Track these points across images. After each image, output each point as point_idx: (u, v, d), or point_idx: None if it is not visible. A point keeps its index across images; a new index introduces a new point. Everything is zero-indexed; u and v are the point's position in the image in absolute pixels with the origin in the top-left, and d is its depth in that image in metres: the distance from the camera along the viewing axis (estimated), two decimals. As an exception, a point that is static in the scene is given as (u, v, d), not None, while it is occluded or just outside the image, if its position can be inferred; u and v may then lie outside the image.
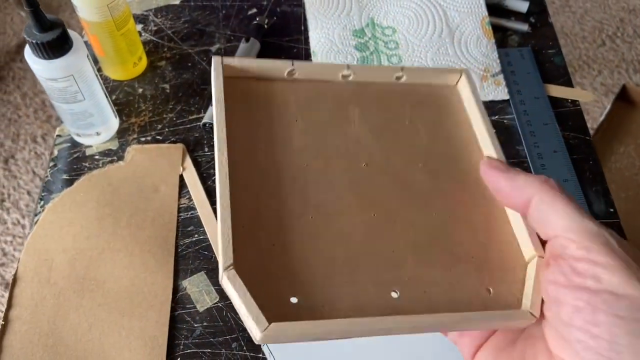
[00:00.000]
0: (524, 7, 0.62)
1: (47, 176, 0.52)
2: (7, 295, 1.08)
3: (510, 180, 0.28)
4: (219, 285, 0.46)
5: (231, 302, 0.45)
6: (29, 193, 1.21)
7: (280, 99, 0.32)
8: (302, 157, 0.30)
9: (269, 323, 0.24)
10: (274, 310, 0.25)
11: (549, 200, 0.26)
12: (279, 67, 0.32)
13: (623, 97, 1.11)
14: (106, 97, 0.50)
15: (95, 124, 0.50)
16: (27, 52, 0.44)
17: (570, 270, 0.24)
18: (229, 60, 0.32)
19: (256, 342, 0.24)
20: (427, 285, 0.28)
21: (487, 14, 0.60)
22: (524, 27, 0.60)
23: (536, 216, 0.27)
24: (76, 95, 0.47)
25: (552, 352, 0.25)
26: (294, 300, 0.26)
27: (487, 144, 0.32)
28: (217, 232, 0.26)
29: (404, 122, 0.33)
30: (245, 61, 0.32)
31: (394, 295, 0.27)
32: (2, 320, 0.44)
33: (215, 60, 0.31)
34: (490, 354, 0.28)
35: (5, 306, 0.45)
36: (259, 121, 0.31)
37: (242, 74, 0.32)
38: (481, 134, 0.33)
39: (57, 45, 0.43)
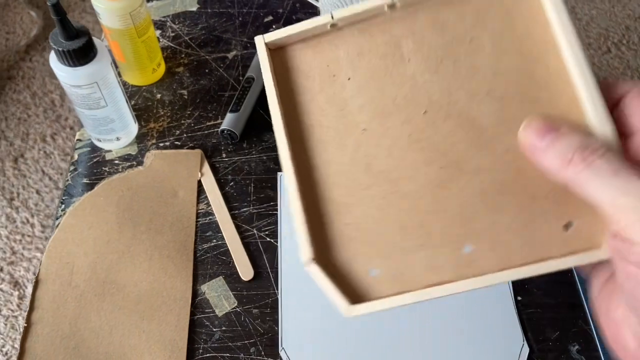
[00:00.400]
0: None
1: (67, 180, 0.53)
2: (16, 293, 1.09)
3: (544, 160, 0.26)
4: (238, 291, 0.47)
5: (250, 308, 0.46)
6: (38, 192, 1.22)
7: (330, 56, 0.31)
8: (358, 121, 0.30)
9: (350, 304, 0.27)
10: (356, 288, 0.27)
11: (579, 185, 0.25)
12: (320, 22, 0.31)
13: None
14: (127, 103, 0.51)
15: (116, 129, 0.51)
16: (52, 59, 0.45)
17: (629, 248, 0.24)
18: (270, 37, 0.31)
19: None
20: (500, 233, 0.27)
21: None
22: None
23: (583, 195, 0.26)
24: (99, 101, 0.48)
25: None
26: (373, 273, 0.28)
27: (567, 45, 0.28)
28: (296, 224, 0.28)
29: (465, 42, 0.30)
30: (286, 31, 0.31)
31: (467, 250, 0.27)
32: (25, 323, 0.45)
33: (258, 41, 0.31)
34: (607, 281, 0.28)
35: (28, 308, 0.46)
36: (312, 89, 0.31)
37: (286, 42, 0.31)
38: (562, 33, 0.28)
39: (82, 54, 0.44)
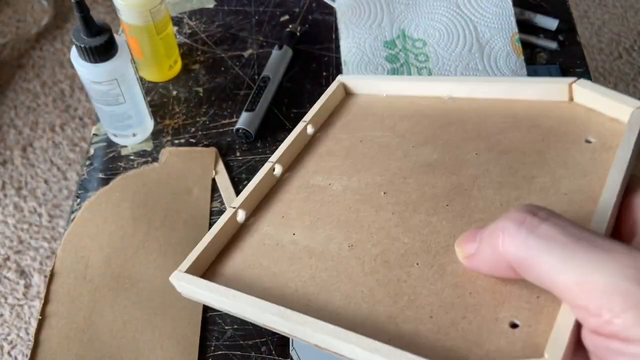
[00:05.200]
0: (553, 24, 0.62)
1: (83, 174, 0.53)
2: (22, 282, 1.09)
3: (482, 262, 0.22)
4: (250, 289, 0.47)
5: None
6: (46, 182, 1.22)
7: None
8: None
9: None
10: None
11: (527, 264, 0.19)
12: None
13: (639, 111, 1.11)
14: (144, 99, 0.52)
15: (133, 125, 0.52)
16: (74, 55, 0.45)
17: (621, 349, 0.17)
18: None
19: None
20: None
21: (517, 30, 0.61)
22: (553, 44, 0.61)
23: (532, 280, 0.20)
24: (118, 97, 0.48)
25: None
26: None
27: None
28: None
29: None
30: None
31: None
32: (40, 315, 0.46)
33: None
34: None
35: (43, 301, 0.46)
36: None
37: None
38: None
39: (104, 50, 0.44)
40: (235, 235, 0.35)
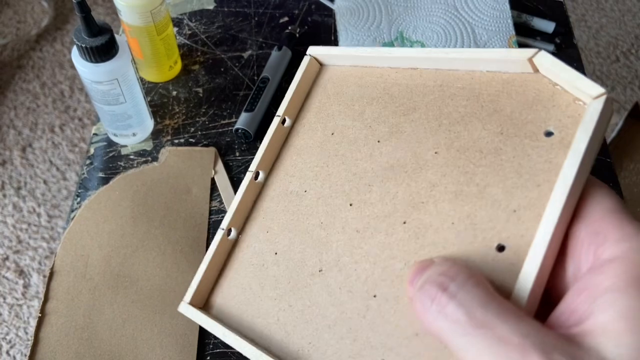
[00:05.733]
0: (550, 27, 0.63)
1: (83, 173, 0.54)
2: (21, 282, 1.10)
3: (416, 302, 0.21)
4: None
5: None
6: (45, 182, 1.22)
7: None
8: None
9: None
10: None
11: (441, 339, 0.19)
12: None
13: (635, 114, 1.12)
14: (144, 99, 0.52)
15: (133, 125, 0.52)
16: (75, 55, 0.46)
17: None
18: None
19: None
20: None
21: (514, 32, 0.61)
22: (550, 47, 0.62)
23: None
24: (118, 97, 0.48)
25: None
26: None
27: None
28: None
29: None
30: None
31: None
32: (39, 313, 0.46)
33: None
34: None
35: (42, 299, 0.46)
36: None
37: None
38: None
39: (104, 51, 0.44)
40: (230, 253, 0.37)
